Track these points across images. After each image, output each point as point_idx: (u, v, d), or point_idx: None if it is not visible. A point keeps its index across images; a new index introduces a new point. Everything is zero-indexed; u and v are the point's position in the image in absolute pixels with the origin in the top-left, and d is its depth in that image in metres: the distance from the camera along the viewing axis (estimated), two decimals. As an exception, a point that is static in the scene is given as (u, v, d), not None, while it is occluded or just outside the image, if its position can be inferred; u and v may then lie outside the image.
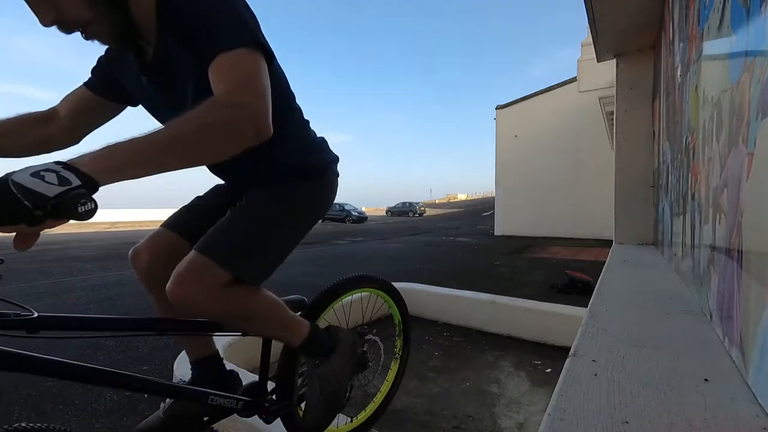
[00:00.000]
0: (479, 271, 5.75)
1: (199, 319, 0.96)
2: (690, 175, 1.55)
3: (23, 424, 0.70)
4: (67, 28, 0.67)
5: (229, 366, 1.16)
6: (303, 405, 1.09)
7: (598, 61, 3.59)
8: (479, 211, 33.11)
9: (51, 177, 0.47)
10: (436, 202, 56.81)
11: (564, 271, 4.68)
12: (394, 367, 1.48)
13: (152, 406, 1.85)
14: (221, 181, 1.09)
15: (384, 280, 1.41)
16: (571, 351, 0.95)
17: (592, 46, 3.30)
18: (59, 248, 9.61)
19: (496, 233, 12.81)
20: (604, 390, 0.75)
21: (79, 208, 0.48)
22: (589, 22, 2.86)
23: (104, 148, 0.54)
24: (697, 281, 1.37)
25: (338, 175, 1.09)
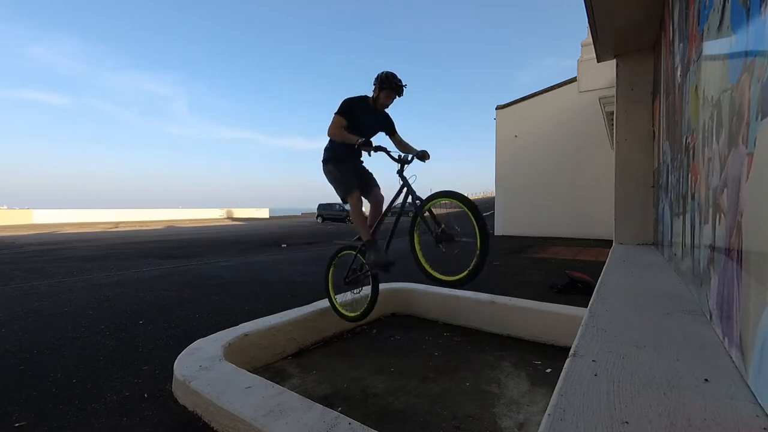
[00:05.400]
0: (479, 271, 5.74)
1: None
2: (690, 175, 1.55)
3: None
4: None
5: (228, 365, 1.16)
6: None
7: (598, 61, 3.59)
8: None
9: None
10: (436, 202, 56.78)
11: (564, 271, 4.68)
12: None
13: (152, 406, 1.86)
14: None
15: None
16: (571, 351, 0.95)
17: (592, 46, 3.31)
18: (61, 248, 9.61)
19: (496, 233, 12.80)
20: (604, 390, 0.75)
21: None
22: (589, 22, 2.86)
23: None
24: (697, 281, 1.37)
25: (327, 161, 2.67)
